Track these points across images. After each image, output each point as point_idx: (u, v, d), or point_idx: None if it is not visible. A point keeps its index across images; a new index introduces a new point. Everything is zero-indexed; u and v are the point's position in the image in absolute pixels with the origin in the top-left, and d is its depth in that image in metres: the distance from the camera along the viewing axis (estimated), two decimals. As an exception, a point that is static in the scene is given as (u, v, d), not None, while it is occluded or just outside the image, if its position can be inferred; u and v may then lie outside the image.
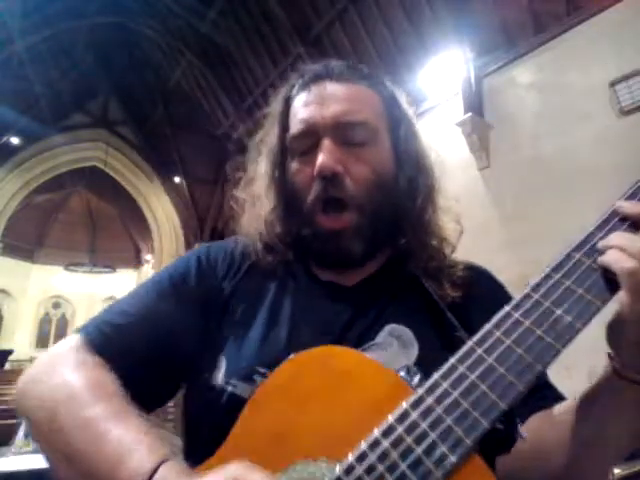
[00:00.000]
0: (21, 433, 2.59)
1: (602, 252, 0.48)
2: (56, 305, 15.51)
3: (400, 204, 0.64)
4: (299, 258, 0.66)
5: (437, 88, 6.18)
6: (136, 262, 16.25)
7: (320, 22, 7.46)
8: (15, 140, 11.42)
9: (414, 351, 0.55)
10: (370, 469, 0.39)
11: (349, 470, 0.39)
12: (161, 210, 13.49)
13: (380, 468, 0.38)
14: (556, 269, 0.51)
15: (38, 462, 2.34)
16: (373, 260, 0.65)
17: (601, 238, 0.51)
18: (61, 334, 15.01)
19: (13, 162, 12.07)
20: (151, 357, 0.57)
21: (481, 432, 0.39)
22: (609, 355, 0.48)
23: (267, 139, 0.69)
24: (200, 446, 0.49)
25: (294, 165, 0.64)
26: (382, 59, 6.98)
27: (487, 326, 0.45)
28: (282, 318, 0.60)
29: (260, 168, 0.70)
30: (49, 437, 0.49)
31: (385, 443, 0.40)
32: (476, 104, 5.57)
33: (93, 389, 0.50)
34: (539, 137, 4.94)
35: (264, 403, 0.47)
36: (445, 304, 0.60)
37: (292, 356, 0.48)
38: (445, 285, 0.62)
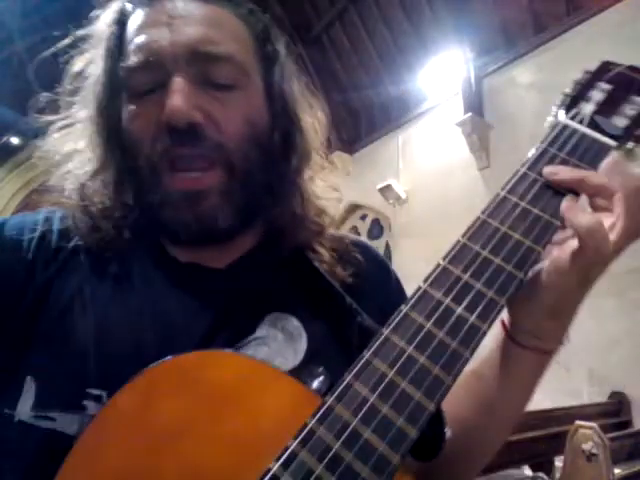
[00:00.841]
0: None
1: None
2: (56, 305, 15.52)
3: (274, 164, 0.50)
4: (145, 234, 0.49)
5: (437, 88, 6.18)
6: (136, 262, 16.25)
7: (320, 22, 7.46)
8: (15, 140, 11.42)
9: (302, 344, 0.45)
10: None
11: None
12: (161, 210, 13.48)
13: None
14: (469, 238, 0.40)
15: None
16: (244, 235, 0.52)
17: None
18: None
19: (13, 162, 12.07)
20: None
21: (408, 444, 0.31)
22: (503, 322, 0.45)
23: (89, 70, 0.51)
24: None
25: (131, 108, 0.46)
26: (382, 59, 6.98)
27: (403, 308, 0.36)
28: (123, 319, 0.44)
29: (78, 111, 0.51)
30: None
31: (279, 472, 0.29)
32: (476, 104, 5.57)
33: None
34: (539, 137, 4.91)
35: (103, 441, 0.33)
36: (331, 280, 0.49)
37: (146, 370, 0.35)
38: (328, 258, 0.52)
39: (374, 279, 0.55)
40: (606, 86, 0.50)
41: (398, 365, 0.33)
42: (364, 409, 0.31)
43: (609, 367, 4.05)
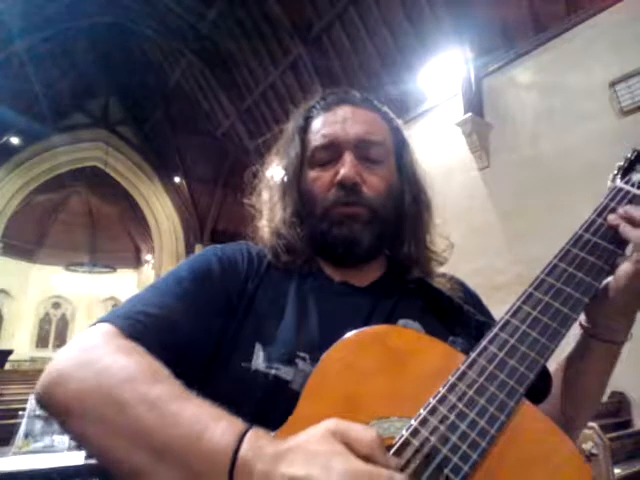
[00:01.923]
0: (21, 433, 2.59)
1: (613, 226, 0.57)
2: (56, 305, 15.51)
3: (405, 216, 0.74)
4: (311, 261, 0.73)
5: (437, 88, 6.18)
6: (136, 262, 16.25)
7: (320, 22, 7.46)
8: (15, 140, 11.42)
9: None
10: (443, 419, 0.45)
11: (423, 422, 0.45)
12: (161, 210, 13.49)
13: (451, 417, 0.45)
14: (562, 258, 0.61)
15: (38, 462, 2.33)
16: (375, 264, 0.74)
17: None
18: (61, 334, 15.02)
19: (13, 162, 12.07)
20: (184, 347, 0.58)
21: (528, 383, 0.47)
22: (581, 324, 0.60)
23: (286, 151, 0.76)
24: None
25: (313, 174, 0.72)
26: (382, 59, 6.98)
27: (517, 303, 0.56)
28: (309, 310, 0.65)
29: (277, 177, 0.77)
30: (105, 421, 0.45)
31: (451, 397, 0.46)
32: (476, 104, 5.57)
33: (149, 371, 0.48)
34: (539, 137, 4.94)
35: (328, 376, 0.50)
36: (444, 300, 0.71)
37: (347, 335, 0.52)
38: (442, 284, 0.73)
39: (472, 301, 0.75)
40: None
41: (517, 335, 0.52)
42: (496, 361, 0.49)
43: (609, 367, 4.05)
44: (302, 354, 0.58)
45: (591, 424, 2.15)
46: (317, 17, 7.49)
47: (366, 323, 0.58)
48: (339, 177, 0.67)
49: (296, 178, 0.73)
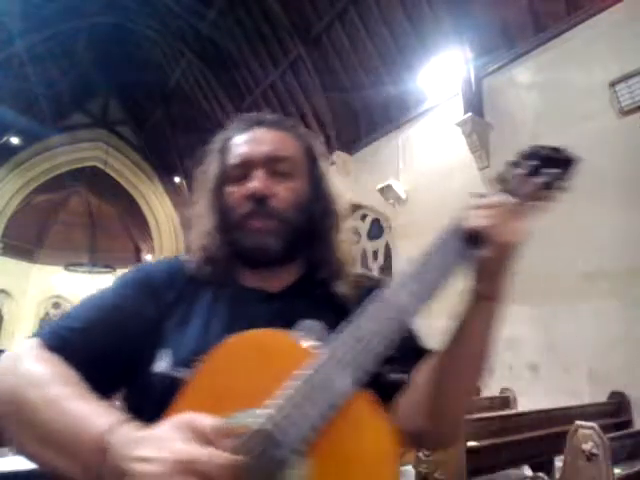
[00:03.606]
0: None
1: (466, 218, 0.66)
2: (56, 305, 15.49)
3: (315, 225, 0.81)
4: (229, 270, 0.81)
5: (437, 88, 6.18)
6: (136, 262, 16.23)
7: (320, 22, 7.46)
8: (15, 140, 11.42)
9: (322, 337, 0.72)
10: (283, 407, 0.52)
11: (270, 410, 0.53)
12: (161, 210, 13.49)
13: (290, 404, 0.52)
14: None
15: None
16: (291, 269, 0.82)
17: None
18: (61, 334, 14.98)
19: (13, 162, 12.07)
20: (100, 358, 0.67)
21: (363, 372, 0.55)
22: (469, 287, 0.68)
23: (208, 169, 0.86)
24: (146, 423, 0.55)
25: (229, 189, 0.80)
26: (382, 59, 6.98)
27: (367, 303, 0.62)
28: (217, 318, 0.74)
29: (202, 193, 0.86)
30: (18, 417, 0.56)
31: (293, 388, 0.53)
32: (476, 104, 5.57)
33: (56, 377, 0.58)
34: (539, 137, 4.94)
35: (205, 375, 0.59)
36: (351, 301, 0.78)
37: (229, 339, 0.61)
38: (348, 287, 0.81)
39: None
40: (533, 162, 0.72)
41: (358, 332, 0.59)
42: (339, 353, 0.57)
43: (609, 367, 4.05)
44: (201, 357, 0.64)
45: (591, 424, 2.15)
46: (317, 17, 7.49)
47: (271, 326, 0.66)
48: (249, 191, 0.76)
49: (217, 194, 0.82)
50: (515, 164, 0.74)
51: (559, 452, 2.54)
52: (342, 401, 0.53)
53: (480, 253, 0.63)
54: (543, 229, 5.19)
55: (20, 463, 2.33)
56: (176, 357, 0.68)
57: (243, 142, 0.82)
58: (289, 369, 0.55)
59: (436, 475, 2.61)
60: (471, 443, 2.71)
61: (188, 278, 0.79)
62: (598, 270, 4.26)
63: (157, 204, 13.52)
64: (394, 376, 0.69)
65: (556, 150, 0.74)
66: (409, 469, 3.05)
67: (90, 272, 15.24)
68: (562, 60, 4.87)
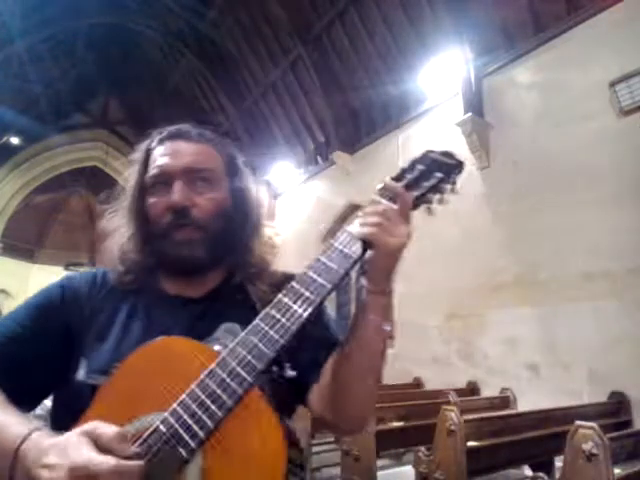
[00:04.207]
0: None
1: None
2: (56, 305, 15.49)
3: (235, 232, 0.84)
4: (151, 278, 0.83)
5: (437, 88, 6.17)
6: (136, 262, 16.21)
7: (320, 22, 7.46)
8: (15, 140, 11.42)
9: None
10: (185, 408, 0.56)
11: (171, 412, 0.56)
12: (161, 210, 13.46)
13: (192, 405, 0.56)
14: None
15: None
16: (214, 274, 0.84)
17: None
18: (61, 334, 14.99)
19: (13, 162, 12.07)
20: (23, 370, 0.71)
21: (257, 371, 0.58)
22: (361, 284, 0.72)
23: (130, 180, 0.87)
24: (68, 429, 0.58)
25: (151, 200, 0.81)
26: (382, 59, 6.98)
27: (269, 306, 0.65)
28: (136, 325, 0.77)
29: (122, 203, 0.87)
30: None
31: (196, 389, 0.57)
32: (476, 104, 5.56)
33: None
34: (539, 137, 4.94)
35: (116, 382, 0.63)
36: (264, 302, 0.79)
37: (141, 346, 0.65)
38: (264, 288, 0.83)
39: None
40: (420, 167, 0.76)
41: (254, 333, 0.62)
42: (236, 354, 0.60)
43: (609, 367, 4.05)
44: (117, 364, 0.66)
45: (591, 424, 2.15)
46: (317, 17, 7.49)
47: (191, 331, 0.69)
48: (169, 203, 0.78)
49: (138, 204, 0.83)
50: (407, 170, 0.78)
51: (559, 452, 2.53)
52: (234, 401, 0.56)
53: (369, 256, 0.68)
54: (543, 229, 5.19)
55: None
56: (93, 365, 0.71)
57: (163, 154, 0.83)
58: (196, 373, 0.59)
59: (436, 475, 2.61)
60: (471, 443, 2.71)
61: (109, 288, 0.82)
62: (598, 270, 4.26)
63: (157, 204, 13.51)
64: (290, 373, 0.72)
65: (445, 154, 0.77)
66: (409, 469, 3.05)
67: (90, 272, 15.22)
68: (562, 60, 4.86)
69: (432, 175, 0.75)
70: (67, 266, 15.34)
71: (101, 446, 0.51)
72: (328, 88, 7.66)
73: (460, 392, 4.38)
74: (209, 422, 0.55)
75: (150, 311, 0.79)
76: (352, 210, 7.79)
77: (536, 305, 4.70)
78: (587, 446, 2.09)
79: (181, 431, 0.55)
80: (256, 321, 0.63)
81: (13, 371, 0.71)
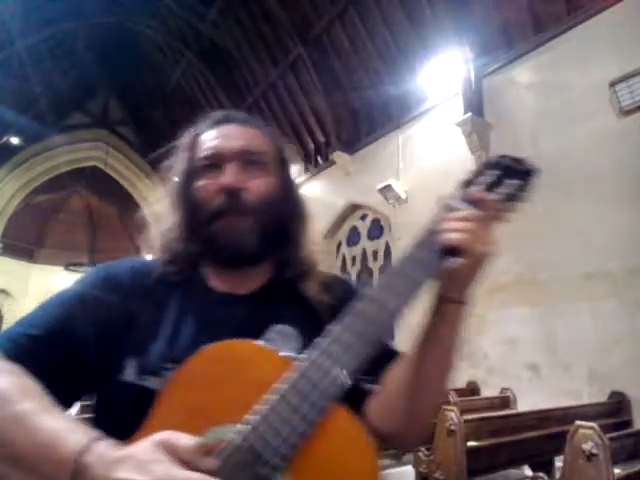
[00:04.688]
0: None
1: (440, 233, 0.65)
2: (56, 305, 15.49)
3: (285, 223, 0.80)
4: (196, 272, 0.78)
5: (437, 88, 6.18)
6: (136, 262, 16.21)
7: (320, 22, 7.46)
8: (15, 140, 11.42)
9: (296, 343, 0.70)
10: (263, 421, 0.51)
11: (247, 425, 0.51)
12: (161, 210, 13.46)
13: (270, 418, 0.51)
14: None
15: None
16: (261, 271, 0.80)
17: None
18: (61, 334, 15.00)
19: (13, 162, 12.07)
20: (62, 367, 0.65)
21: (340, 382, 0.53)
22: (436, 292, 0.68)
23: (175, 165, 0.83)
24: (114, 434, 0.53)
25: (199, 183, 0.77)
26: (382, 59, 6.98)
27: (345, 314, 0.60)
28: (186, 324, 0.71)
29: (166, 189, 0.83)
30: None
31: (274, 401, 0.52)
32: (476, 104, 5.57)
33: (19, 389, 0.55)
34: (539, 137, 4.94)
35: (178, 388, 0.57)
36: (318, 302, 0.78)
37: (201, 349, 0.59)
38: (317, 287, 0.79)
39: (346, 297, 0.77)
40: (495, 172, 0.73)
41: (336, 343, 0.57)
42: (316, 365, 0.55)
43: (609, 367, 4.05)
44: (170, 365, 0.62)
45: (591, 424, 2.15)
46: (317, 17, 7.49)
47: (242, 332, 0.64)
48: (221, 185, 0.74)
49: (184, 189, 0.79)
50: (478, 173, 0.74)
51: (559, 452, 2.53)
52: (322, 415, 0.52)
53: (454, 263, 0.64)
54: (543, 229, 5.18)
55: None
56: (143, 365, 0.65)
57: (214, 137, 0.80)
58: (267, 381, 0.54)
59: (436, 475, 2.61)
60: (471, 443, 2.71)
61: (153, 280, 0.75)
62: (598, 270, 4.26)
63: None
64: (367, 386, 0.68)
65: (517, 161, 0.75)
66: (409, 469, 3.05)
67: (90, 272, 15.23)
68: (562, 60, 4.86)
69: (507, 181, 0.72)
70: (67, 266, 15.35)
71: (180, 458, 0.46)
72: (328, 88, 7.66)
73: (460, 392, 4.38)
74: (292, 437, 0.50)
75: (199, 309, 0.73)
76: (352, 210, 7.80)
77: (536, 305, 4.70)
78: (587, 446, 2.09)
79: (261, 446, 0.50)
80: (337, 327, 0.58)
81: (50, 369, 0.63)
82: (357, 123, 7.74)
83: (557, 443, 2.56)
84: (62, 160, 12.82)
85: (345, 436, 0.53)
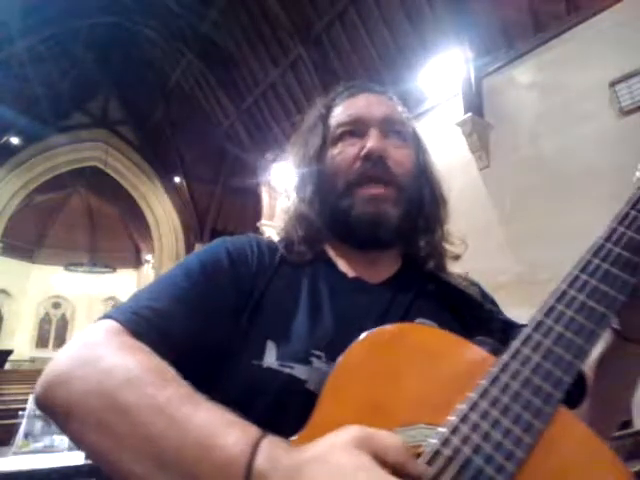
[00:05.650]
0: (21, 433, 2.59)
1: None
2: (56, 305, 15.50)
3: (423, 204, 0.73)
4: (324, 254, 0.72)
5: (437, 88, 6.18)
6: (136, 262, 16.24)
7: (320, 22, 7.45)
8: (15, 140, 11.42)
9: None
10: (475, 427, 0.41)
11: (455, 430, 0.41)
12: (161, 210, 13.49)
13: (484, 425, 0.41)
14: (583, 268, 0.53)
15: (38, 462, 2.33)
16: (390, 257, 0.72)
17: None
18: (61, 334, 15.01)
19: (13, 162, 12.07)
20: (189, 345, 0.55)
21: (565, 387, 0.43)
22: (612, 327, 0.58)
23: (307, 136, 0.77)
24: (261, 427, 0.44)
25: (336, 150, 0.71)
26: (382, 59, 6.98)
27: (550, 301, 0.51)
28: (323, 307, 0.63)
29: (300, 162, 0.77)
30: (108, 424, 0.42)
31: (484, 403, 0.42)
32: (476, 104, 5.57)
33: (154, 372, 0.45)
34: (539, 137, 4.94)
35: (347, 379, 0.47)
36: (463, 299, 0.69)
37: (365, 334, 0.49)
38: (464, 282, 0.72)
39: (488, 301, 0.73)
40: None
41: (551, 339, 0.46)
42: (531, 364, 0.44)
43: (609, 367, 4.04)
44: (317, 352, 0.55)
45: (591, 424, 2.15)
46: (317, 17, 7.48)
47: (382, 322, 0.53)
48: (366, 150, 0.67)
49: (317, 158, 0.73)
50: None
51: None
52: (543, 422, 0.42)
53: None
54: (543, 229, 5.18)
55: (20, 463, 2.33)
56: (285, 350, 0.57)
57: (355, 104, 0.74)
58: (466, 376, 0.45)
59: (436, 475, 2.61)
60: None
61: (279, 259, 0.68)
62: (598, 270, 4.26)
63: (157, 204, 13.52)
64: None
65: None
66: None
67: (90, 272, 15.26)
68: (562, 60, 4.86)
69: None
70: (67, 266, 15.37)
71: (387, 463, 0.35)
72: (328, 88, 7.64)
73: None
74: (518, 450, 0.40)
75: (332, 294, 0.65)
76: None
77: (536, 305, 4.68)
78: (587, 446, 2.08)
79: (478, 459, 0.39)
80: (544, 320, 0.48)
81: (181, 347, 0.54)
82: (357, 123, 7.73)
83: (557, 443, 2.55)
84: (62, 160, 12.82)
85: (575, 442, 0.43)
